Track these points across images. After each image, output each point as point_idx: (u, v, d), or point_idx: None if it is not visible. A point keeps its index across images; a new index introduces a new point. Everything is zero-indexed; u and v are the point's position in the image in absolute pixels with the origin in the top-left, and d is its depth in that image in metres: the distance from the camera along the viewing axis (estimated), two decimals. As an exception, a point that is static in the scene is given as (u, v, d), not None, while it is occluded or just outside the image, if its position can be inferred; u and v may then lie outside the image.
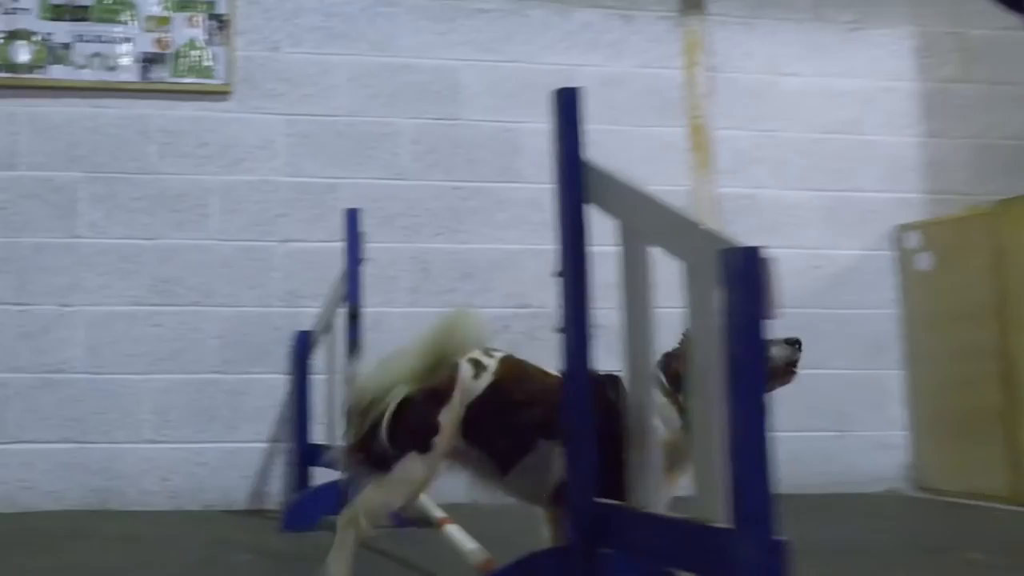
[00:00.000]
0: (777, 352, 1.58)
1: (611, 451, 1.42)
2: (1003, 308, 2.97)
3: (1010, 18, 3.19)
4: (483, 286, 3.13)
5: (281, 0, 3.13)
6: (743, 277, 0.98)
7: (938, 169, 3.44)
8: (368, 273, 2.79)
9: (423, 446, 1.49)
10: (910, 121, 3.43)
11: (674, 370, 1.52)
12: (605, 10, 3.29)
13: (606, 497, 1.44)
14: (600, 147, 2.81)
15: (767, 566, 0.96)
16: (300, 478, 2.81)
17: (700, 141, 3.27)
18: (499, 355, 1.60)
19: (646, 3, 3.32)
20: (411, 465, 1.49)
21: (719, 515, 1.04)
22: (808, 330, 2.87)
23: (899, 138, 3.38)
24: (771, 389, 1.54)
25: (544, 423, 1.52)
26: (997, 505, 3.06)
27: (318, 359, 2.82)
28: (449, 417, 1.51)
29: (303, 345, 2.90)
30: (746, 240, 2.25)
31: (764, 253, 1.01)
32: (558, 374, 1.52)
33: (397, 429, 1.53)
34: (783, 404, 2.50)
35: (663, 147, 3.24)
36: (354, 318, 2.50)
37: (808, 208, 3.34)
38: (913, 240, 3.31)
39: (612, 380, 1.52)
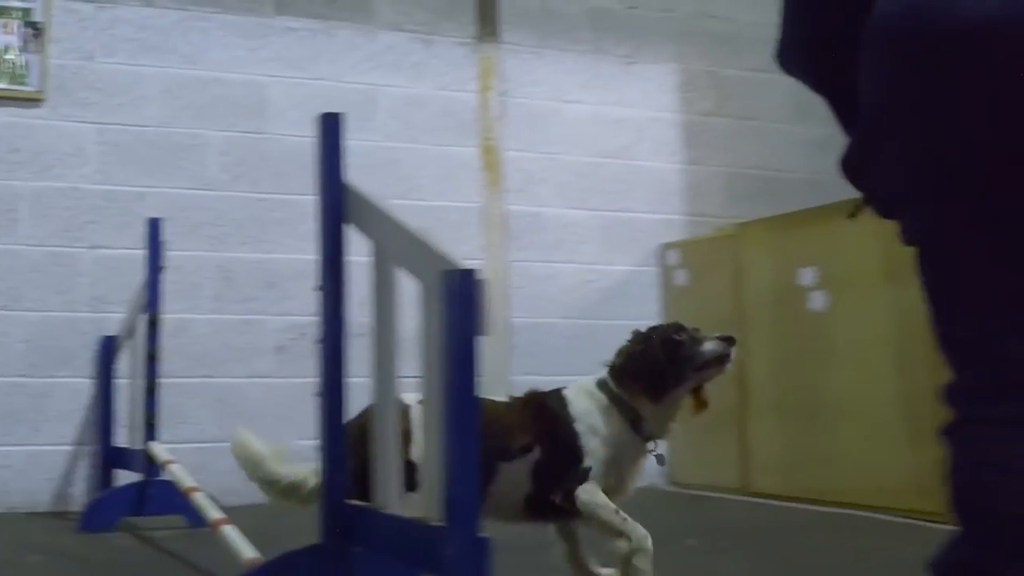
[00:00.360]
0: (710, 347, 2.22)
1: (560, 458, 2.15)
2: (741, 319, 4.21)
3: (759, 61, 4.91)
4: (285, 294, 4.17)
5: (97, 10, 4.09)
6: (459, 297, 1.42)
7: (696, 194, 4.99)
8: (172, 280, 3.85)
9: (408, 485, 2.14)
10: (673, 149, 4.98)
11: (627, 373, 2.23)
12: (407, 34, 4.54)
13: (553, 496, 2.15)
14: (400, 164, 4.26)
15: (471, 561, 1.39)
16: (103, 480, 3.68)
17: (491, 161, 4.61)
18: None
19: (445, 29, 4.61)
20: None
21: (436, 514, 1.46)
22: (583, 339, 4.50)
23: (664, 164, 4.91)
24: (708, 379, 2.26)
25: (499, 448, 2.15)
26: (729, 496, 4.24)
27: (122, 364, 3.80)
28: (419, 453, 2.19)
29: (108, 350, 3.86)
30: (532, 255, 4.02)
31: (480, 275, 1.47)
32: (507, 399, 2.32)
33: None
34: None
35: (458, 166, 4.56)
36: (153, 325, 3.41)
37: (586, 226, 4.76)
38: (673, 258, 4.80)
39: (555, 394, 2.29)
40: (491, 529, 1.60)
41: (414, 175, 4.51)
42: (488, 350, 4.11)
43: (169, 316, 3.87)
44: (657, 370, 2.21)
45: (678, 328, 2.30)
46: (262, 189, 4.28)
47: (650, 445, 2.25)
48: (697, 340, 2.25)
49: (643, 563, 2.11)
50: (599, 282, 4.80)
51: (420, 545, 1.60)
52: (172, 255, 3.89)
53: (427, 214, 4.36)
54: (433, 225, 4.28)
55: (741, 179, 5.08)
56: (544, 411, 2.28)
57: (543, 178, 4.76)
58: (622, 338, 4.59)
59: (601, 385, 2.28)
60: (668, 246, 4.88)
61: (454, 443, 1.46)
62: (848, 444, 3.95)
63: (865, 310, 3.95)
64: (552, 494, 2.19)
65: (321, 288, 1.95)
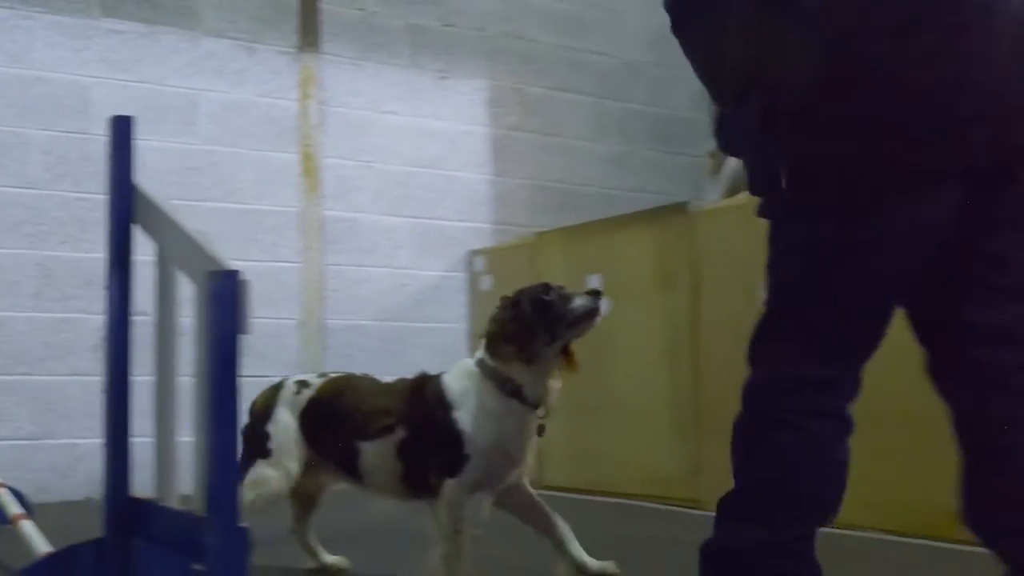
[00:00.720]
0: (580, 303, 2.65)
1: (432, 440, 2.74)
2: None
3: (562, 80, 6.45)
4: (102, 294, 5.39)
5: None
6: (222, 296, 1.73)
7: (502, 204, 6.30)
8: None
9: (262, 453, 2.97)
10: (482, 161, 6.30)
11: (499, 338, 2.72)
12: (231, 41, 5.66)
13: (441, 474, 2.68)
14: (220, 167, 5.88)
15: (230, 550, 1.72)
16: None
17: (310, 167, 5.77)
18: (330, 375, 3.11)
19: (268, 38, 5.75)
20: (259, 470, 2.95)
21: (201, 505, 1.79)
22: (395, 340, 6.29)
23: (473, 175, 6.23)
24: (578, 335, 2.74)
25: (360, 428, 2.85)
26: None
27: None
28: (274, 428, 2.99)
29: None
30: (347, 259, 5.75)
31: (242, 277, 1.78)
32: (397, 381, 2.95)
33: (244, 445, 2.90)
34: None
35: (277, 171, 5.72)
36: None
37: (400, 232, 6.00)
38: (479, 264, 6.02)
39: (434, 379, 2.86)
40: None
41: (234, 179, 5.66)
42: (303, 349, 5.80)
43: (-13, 312, 4.80)
44: (529, 331, 2.66)
45: (546, 287, 2.74)
46: (84, 189, 5.10)
47: (539, 412, 2.75)
48: (565, 297, 2.69)
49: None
50: (411, 286, 6.08)
51: (189, 536, 1.89)
52: None
53: (246, 217, 5.67)
54: (251, 228, 5.63)
55: (543, 191, 6.47)
56: (418, 394, 2.86)
57: (359, 185, 5.99)
58: (432, 339, 6.16)
59: (479, 363, 2.78)
60: (475, 253, 6.20)
61: (214, 437, 1.77)
62: (625, 439, 4.86)
63: (641, 315, 4.88)
64: (426, 475, 2.77)
65: (107, 288, 2.29)
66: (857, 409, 2.12)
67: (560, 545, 2.86)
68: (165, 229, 2.20)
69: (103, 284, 2.40)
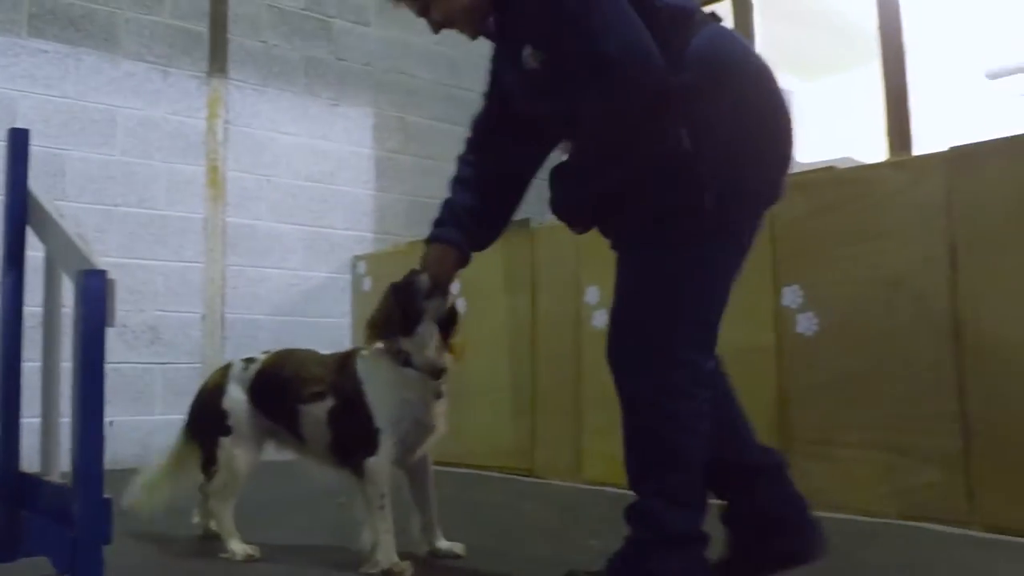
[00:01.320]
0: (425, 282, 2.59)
1: (350, 411, 2.66)
2: None
3: (438, 111, 6.75)
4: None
5: None
6: (91, 292, 1.78)
7: (383, 215, 6.46)
8: None
9: (223, 430, 2.85)
10: (367, 178, 6.44)
11: (380, 319, 2.67)
12: (147, 64, 5.66)
13: (360, 450, 2.58)
14: (135, 177, 5.82)
15: (93, 517, 1.77)
16: None
17: (215, 179, 5.79)
18: (274, 351, 3.04)
19: (181, 63, 5.76)
20: (226, 450, 2.83)
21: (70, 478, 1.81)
22: (286, 332, 6.27)
23: (359, 190, 6.36)
24: (437, 313, 2.66)
25: (298, 392, 2.76)
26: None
27: None
28: (229, 404, 2.88)
29: None
30: (246, 260, 5.78)
31: (109, 276, 1.83)
32: (331, 354, 2.88)
33: (200, 427, 2.96)
34: None
35: (186, 182, 5.73)
36: None
37: (293, 238, 6.08)
38: (361, 267, 6.16)
39: (354, 352, 2.83)
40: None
41: (147, 187, 5.63)
42: (205, 340, 5.83)
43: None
44: (396, 309, 2.64)
45: (413, 272, 2.66)
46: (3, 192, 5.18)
47: (439, 379, 2.69)
48: (423, 282, 2.61)
49: (380, 555, 2.56)
50: (301, 285, 6.14)
51: (63, 506, 1.90)
52: None
53: (157, 221, 5.65)
54: (161, 231, 5.62)
55: (418, 206, 6.53)
56: (342, 365, 2.78)
57: (259, 196, 6.03)
58: (319, 332, 6.22)
59: (376, 347, 2.75)
60: (358, 258, 6.26)
61: (82, 417, 1.77)
62: (474, 418, 4.83)
63: (490, 313, 4.99)
64: (348, 449, 2.69)
65: (1, 282, 2.30)
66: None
67: (426, 525, 2.87)
68: (52, 231, 2.22)
69: None
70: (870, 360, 3.46)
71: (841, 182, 3.72)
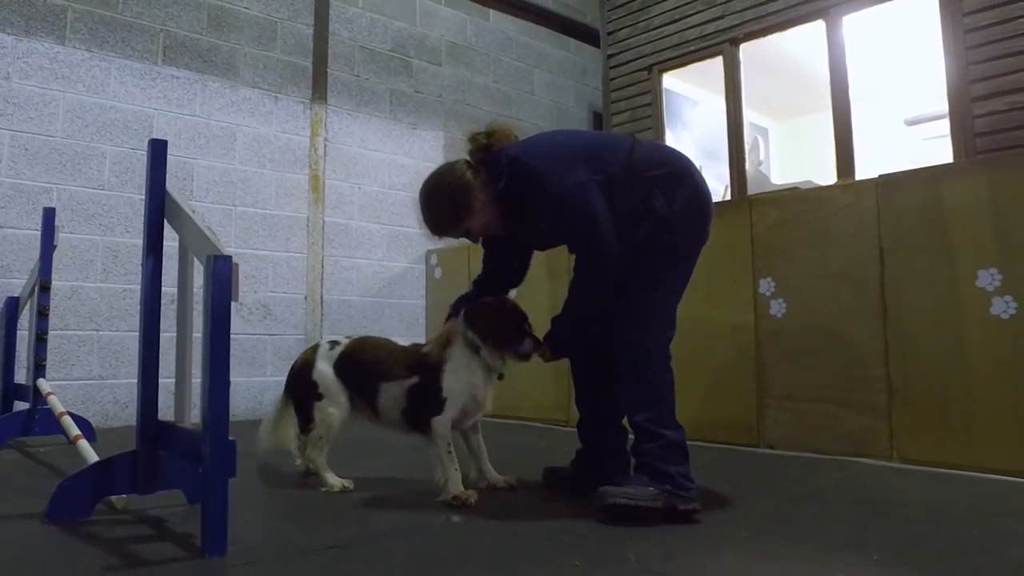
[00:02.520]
0: (526, 346, 2.40)
1: (426, 386, 2.42)
2: None
3: None
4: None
5: (16, 40, 4.12)
6: (218, 273, 1.69)
7: None
8: (70, 256, 4.15)
9: (316, 396, 2.57)
10: None
11: (481, 324, 2.42)
12: (261, 91, 4.95)
13: (429, 413, 2.37)
14: (250, 183, 4.94)
15: (220, 456, 1.67)
16: (4, 409, 3.70)
17: (316, 186, 5.12)
18: (355, 336, 2.73)
19: (289, 91, 5.06)
20: (322, 409, 2.55)
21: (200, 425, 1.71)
22: (373, 310, 5.48)
23: None
24: (518, 361, 2.43)
25: (381, 372, 2.50)
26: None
27: (23, 319, 3.88)
28: (318, 376, 2.58)
29: (11, 308, 3.86)
30: (341, 252, 4.90)
31: (234, 260, 1.70)
32: (404, 344, 2.60)
33: (296, 393, 2.67)
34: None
35: (293, 187, 5.03)
36: (44, 289, 3.53)
37: (379, 235, 5.42)
38: (433, 260, 5.56)
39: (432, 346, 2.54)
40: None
41: (260, 191, 4.91)
42: (307, 316, 4.94)
43: (65, 283, 4.15)
44: (498, 331, 2.43)
45: (523, 317, 2.47)
46: (143, 192, 4.43)
47: (495, 376, 2.49)
48: (522, 332, 2.43)
49: (451, 487, 2.32)
50: (385, 273, 5.45)
51: (194, 447, 1.80)
52: (71, 237, 4.17)
53: (268, 220, 4.92)
54: (271, 228, 4.94)
55: None
56: (422, 353, 2.54)
57: (351, 200, 5.33)
58: (399, 311, 5.52)
59: (463, 332, 2.47)
60: (431, 252, 5.62)
61: (212, 374, 1.66)
62: (524, 380, 4.51)
63: (535, 296, 4.05)
64: (419, 414, 2.44)
65: (143, 266, 2.12)
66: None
67: (481, 468, 2.64)
68: (185, 224, 2.02)
69: (141, 263, 2.16)
70: (823, 336, 3.41)
71: (802, 199, 3.58)
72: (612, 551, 1.78)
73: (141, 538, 1.90)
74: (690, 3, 5.98)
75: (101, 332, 4.35)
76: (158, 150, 2.19)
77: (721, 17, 5.78)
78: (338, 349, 2.66)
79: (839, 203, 3.39)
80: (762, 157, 7.25)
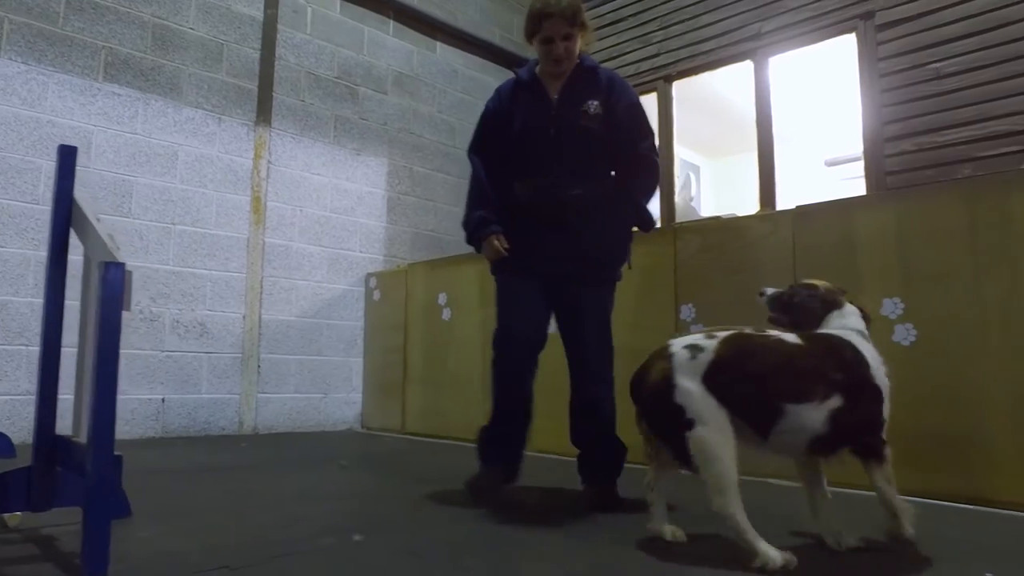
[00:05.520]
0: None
1: (864, 406, 1.78)
2: (407, 324, 5.02)
3: (437, 164, 5.99)
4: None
5: None
6: (108, 280, 1.55)
7: (391, 243, 5.68)
8: (1, 270, 3.96)
9: (686, 425, 1.73)
10: (380, 213, 5.62)
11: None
12: (205, 111, 4.78)
13: (850, 442, 1.76)
14: (192, 202, 4.75)
15: (102, 471, 1.52)
16: None
17: (258, 207, 4.97)
18: (721, 335, 1.81)
19: (233, 112, 4.91)
20: (702, 438, 1.70)
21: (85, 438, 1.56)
22: (315, 331, 5.28)
23: (373, 222, 5.54)
24: None
25: (789, 390, 1.72)
26: (394, 434, 4.90)
27: None
28: (683, 397, 1.73)
29: None
30: (281, 273, 4.74)
31: (127, 268, 1.58)
32: (796, 340, 1.81)
33: (657, 424, 1.84)
34: (303, 377, 4.84)
35: (234, 208, 4.86)
36: None
37: (319, 257, 5.26)
38: (373, 282, 5.42)
39: (845, 342, 1.85)
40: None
41: (200, 211, 4.72)
42: (245, 335, 4.76)
43: (-4, 298, 3.88)
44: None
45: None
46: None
47: None
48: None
49: (908, 531, 1.85)
50: (324, 295, 5.29)
51: (79, 461, 1.69)
52: (2, 251, 3.98)
53: (208, 239, 4.73)
54: (211, 247, 4.77)
55: (419, 236, 5.88)
56: (844, 357, 1.84)
57: (292, 222, 5.16)
58: (337, 332, 5.36)
59: (862, 333, 1.97)
60: (370, 274, 5.48)
61: (97, 390, 1.52)
62: (455, 401, 4.59)
63: (468, 321, 4.64)
64: (849, 439, 1.82)
65: (47, 275, 2.01)
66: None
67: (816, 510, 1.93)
68: (88, 234, 1.87)
69: (45, 273, 2.04)
70: None
71: (724, 228, 3.57)
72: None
73: (24, 558, 1.74)
74: (627, 41, 6.04)
75: (30, 347, 4.12)
76: (66, 157, 2.04)
77: (656, 55, 5.84)
78: (705, 357, 1.79)
79: (758, 232, 3.39)
80: (693, 193, 7.33)
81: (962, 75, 4.31)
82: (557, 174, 2.52)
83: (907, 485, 2.71)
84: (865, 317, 2.03)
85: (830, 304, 2.03)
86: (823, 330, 1.96)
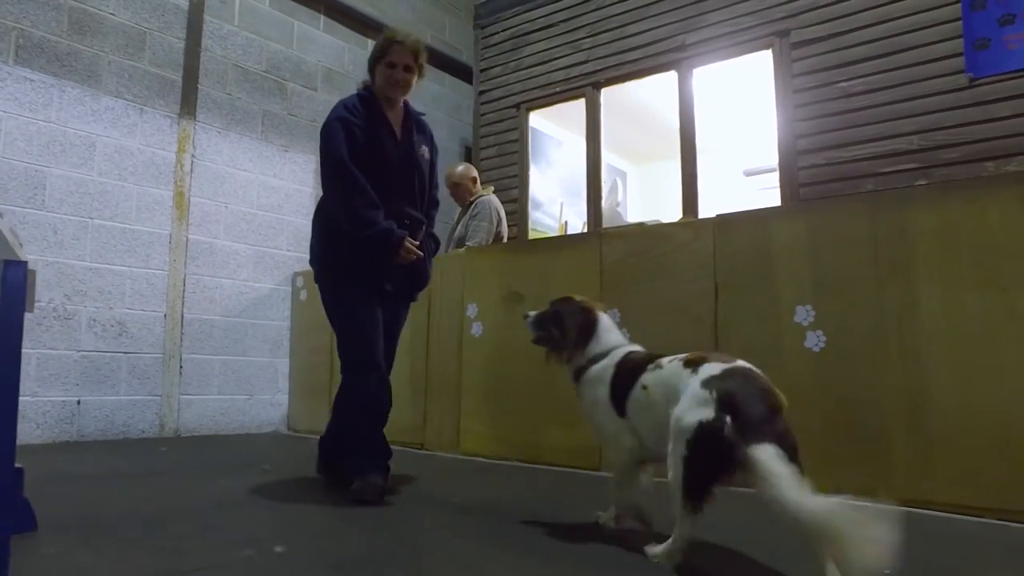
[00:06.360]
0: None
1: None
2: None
3: None
4: None
5: None
6: (10, 282, 1.46)
7: None
8: None
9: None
10: (307, 211, 5.34)
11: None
12: (126, 101, 4.56)
13: None
14: (110, 195, 4.54)
15: (2, 487, 1.43)
16: None
17: (181, 203, 4.79)
18: (725, 369, 1.76)
19: (156, 104, 4.70)
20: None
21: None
22: (240, 331, 5.11)
23: (300, 220, 5.36)
24: None
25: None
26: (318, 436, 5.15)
27: None
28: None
29: None
30: (204, 271, 4.58)
31: (30, 267, 1.50)
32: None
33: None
34: (227, 378, 4.67)
35: (156, 203, 4.67)
36: None
37: (244, 255, 5.11)
38: (300, 282, 5.30)
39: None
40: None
41: (122, 205, 4.51)
42: (167, 335, 4.58)
43: None
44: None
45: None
46: None
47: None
48: None
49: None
50: (250, 294, 5.14)
51: None
52: None
53: (128, 235, 4.53)
54: (131, 243, 4.58)
55: None
56: None
57: (217, 219, 4.99)
58: (263, 332, 5.24)
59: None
60: (297, 274, 5.35)
61: None
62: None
63: None
64: None
65: None
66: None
67: None
68: None
69: None
70: None
71: (648, 235, 3.60)
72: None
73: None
74: (558, 47, 6.08)
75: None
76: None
77: (585, 62, 5.90)
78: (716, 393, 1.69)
79: (680, 240, 3.46)
80: (620, 198, 7.44)
81: (867, 95, 4.51)
82: (399, 204, 2.78)
83: (815, 483, 2.84)
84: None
85: (592, 316, 2.21)
86: (602, 347, 2.16)
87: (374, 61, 2.84)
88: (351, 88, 5.92)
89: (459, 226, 5.00)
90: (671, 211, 6.16)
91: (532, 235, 6.11)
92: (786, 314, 3.08)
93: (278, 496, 2.67)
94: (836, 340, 2.95)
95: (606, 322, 2.22)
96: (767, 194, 6.89)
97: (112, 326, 4.50)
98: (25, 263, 1.51)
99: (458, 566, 1.77)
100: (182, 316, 4.82)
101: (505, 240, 5.05)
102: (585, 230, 5.97)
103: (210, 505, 2.46)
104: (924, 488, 2.67)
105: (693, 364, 1.79)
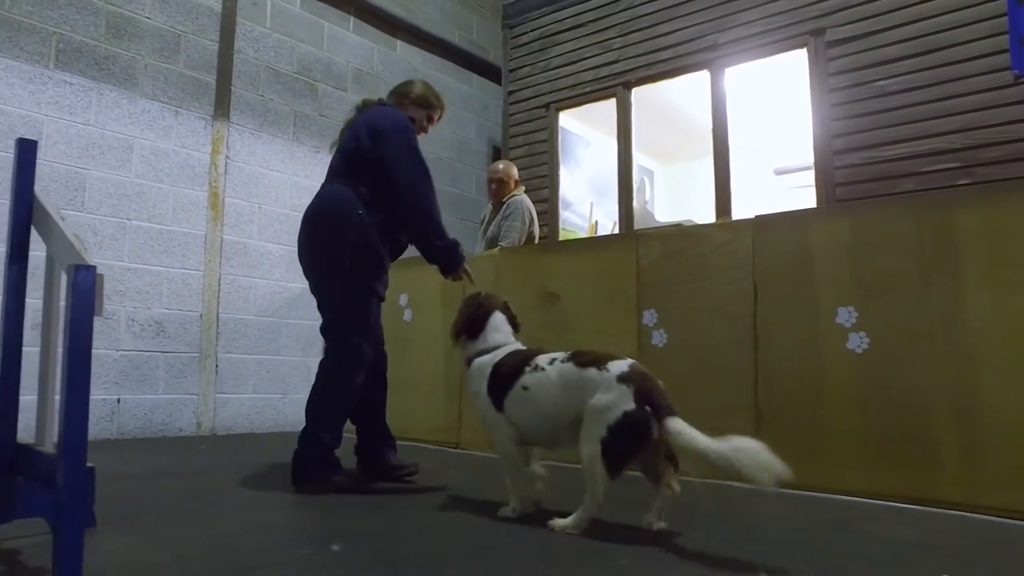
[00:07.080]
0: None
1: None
2: None
3: None
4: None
5: None
6: (80, 285, 1.45)
7: None
8: None
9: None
10: None
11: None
12: (162, 104, 4.61)
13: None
14: (147, 196, 4.59)
15: (74, 484, 1.39)
16: None
17: (215, 203, 4.84)
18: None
19: (191, 106, 4.76)
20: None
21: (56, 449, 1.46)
22: (274, 330, 5.18)
23: None
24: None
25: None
26: (354, 436, 5.34)
27: None
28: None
29: None
30: (239, 271, 4.63)
31: (98, 272, 1.47)
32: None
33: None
34: (261, 377, 4.72)
35: (191, 203, 4.73)
36: None
37: (277, 255, 5.15)
38: None
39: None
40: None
41: (156, 206, 4.57)
42: (202, 334, 4.63)
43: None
44: None
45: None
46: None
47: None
48: None
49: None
50: (283, 294, 5.18)
51: (51, 473, 1.62)
52: None
53: (164, 235, 4.59)
54: (167, 244, 4.65)
55: None
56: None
57: (251, 219, 5.04)
58: (296, 332, 5.30)
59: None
60: None
61: (68, 399, 1.42)
62: (416, 402, 4.45)
63: (430, 321, 4.56)
64: None
65: (6, 275, 1.89)
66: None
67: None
68: (53, 233, 1.77)
69: (3, 272, 1.91)
70: (698, 366, 3.38)
71: (685, 236, 3.60)
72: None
73: (-12, 574, 1.65)
74: (587, 47, 6.07)
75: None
76: (26, 151, 1.93)
77: (616, 61, 5.89)
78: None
79: (718, 240, 3.44)
80: (648, 197, 7.42)
81: (904, 93, 4.46)
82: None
83: (858, 486, 2.82)
84: (513, 324, 2.48)
85: (484, 313, 2.44)
86: (487, 344, 2.40)
87: (425, 106, 3.21)
88: (380, 88, 5.99)
89: (491, 226, 5.00)
90: (700, 210, 6.13)
91: (562, 235, 6.11)
92: (827, 315, 3.05)
93: (326, 494, 2.69)
94: (880, 342, 2.92)
95: (496, 321, 2.43)
96: (799, 193, 6.84)
97: (150, 326, 4.56)
98: (94, 267, 1.50)
99: (514, 565, 1.78)
100: (217, 316, 4.87)
101: (537, 240, 5.05)
102: (616, 230, 5.96)
103: (258, 502, 2.49)
104: (974, 492, 2.64)
105: (596, 363, 2.10)
